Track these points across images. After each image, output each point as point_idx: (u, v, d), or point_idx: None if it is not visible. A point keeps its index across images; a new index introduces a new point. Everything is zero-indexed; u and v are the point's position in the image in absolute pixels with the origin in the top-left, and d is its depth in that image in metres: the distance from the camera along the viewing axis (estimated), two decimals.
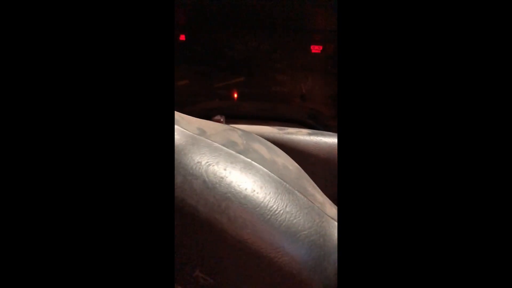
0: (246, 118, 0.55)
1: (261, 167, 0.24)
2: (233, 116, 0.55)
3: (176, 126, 0.23)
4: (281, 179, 0.25)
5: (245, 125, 0.48)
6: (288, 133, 0.36)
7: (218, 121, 0.54)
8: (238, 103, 0.60)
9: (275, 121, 0.53)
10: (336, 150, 0.34)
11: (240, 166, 0.23)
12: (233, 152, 0.24)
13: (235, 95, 0.61)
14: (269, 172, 0.24)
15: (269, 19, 0.56)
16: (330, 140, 0.35)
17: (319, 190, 0.29)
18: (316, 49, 0.57)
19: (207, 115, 0.57)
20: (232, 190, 0.20)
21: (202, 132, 0.26)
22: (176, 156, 0.21)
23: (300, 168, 0.31)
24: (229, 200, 0.20)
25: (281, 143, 0.35)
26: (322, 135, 0.36)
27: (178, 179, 0.20)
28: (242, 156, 0.24)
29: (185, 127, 0.24)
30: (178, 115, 0.26)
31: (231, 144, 0.26)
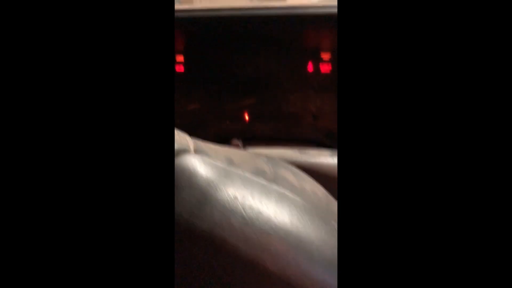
0: (260, 140, 0.54)
1: (294, 197, 0.23)
2: (247, 138, 0.55)
3: (206, 158, 0.22)
4: (314, 207, 0.24)
5: (265, 148, 0.48)
6: (310, 156, 0.35)
7: (236, 145, 0.54)
8: (250, 125, 0.60)
9: (291, 142, 0.53)
10: None
11: (275, 198, 0.22)
12: (265, 183, 0.23)
13: (247, 117, 0.60)
14: (304, 202, 0.23)
15: (274, 40, 0.56)
16: None
17: None
18: (325, 69, 0.57)
19: (220, 139, 0.57)
20: (272, 225, 0.19)
21: (230, 162, 0.25)
22: (211, 191, 0.20)
23: (327, 193, 0.30)
24: (269, 235, 0.19)
25: (303, 167, 0.34)
26: None
27: (215, 215, 0.19)
28: (274, 186, 0.23)
29: (214, 158, 0.23)
30: (204, 145, 0.26)
31: (260, 173, 0.25)
